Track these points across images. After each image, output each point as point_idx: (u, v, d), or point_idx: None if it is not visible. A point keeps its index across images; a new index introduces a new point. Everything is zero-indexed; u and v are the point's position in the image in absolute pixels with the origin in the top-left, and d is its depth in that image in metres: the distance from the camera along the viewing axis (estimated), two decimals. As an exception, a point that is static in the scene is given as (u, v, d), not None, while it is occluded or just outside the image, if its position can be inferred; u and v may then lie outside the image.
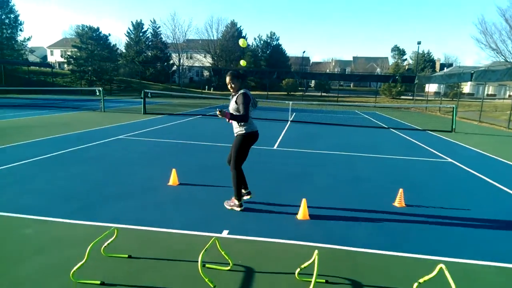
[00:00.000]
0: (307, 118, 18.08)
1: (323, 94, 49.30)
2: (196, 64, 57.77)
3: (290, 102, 16.96)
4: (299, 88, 46.95)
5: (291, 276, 3.07)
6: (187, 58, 60.42)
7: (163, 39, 54.16)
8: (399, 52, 76.03)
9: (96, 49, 43.19)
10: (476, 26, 38.34)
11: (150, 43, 53.00)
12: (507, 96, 48.71)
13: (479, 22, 43.50)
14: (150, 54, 52.19)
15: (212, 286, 2.76)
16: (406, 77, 36.83)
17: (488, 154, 9.76)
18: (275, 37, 62.15)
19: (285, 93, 47.38)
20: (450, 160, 8.69)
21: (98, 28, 44.56)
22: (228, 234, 3.93)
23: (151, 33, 53.77)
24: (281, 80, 47.53)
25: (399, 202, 5.12)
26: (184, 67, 56.56)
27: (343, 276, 3.16)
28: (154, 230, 3.93)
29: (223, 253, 3.14)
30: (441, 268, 2.71)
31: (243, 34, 60.85)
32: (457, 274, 3.24)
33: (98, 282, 2.86)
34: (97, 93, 17.69)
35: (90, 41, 43.06)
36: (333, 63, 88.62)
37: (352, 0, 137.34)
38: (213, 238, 3.06)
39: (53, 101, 23.86)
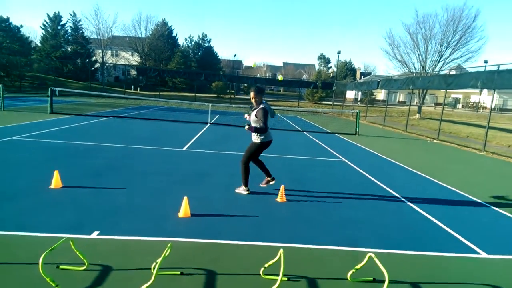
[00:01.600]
0: (231, 121, 18.34)
1: (252, 97, 50.18)
2: (122, 62, 55.11)
3: (210, 104, 17.05)
4: (228, 91, 47.28)
5: (148, 271, 3.14)
6: (112, 55, 57.37)
7: (85, 34, 50.78)
8: (325, 60, 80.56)
9: (5, 41, 39.08)
10: (385, 39, 42.19)
11: (69, 38, 49.31)
12: (415, 102, 54.30)
13: (387, 35, 47.71)
14: (69, 49, 48.56)
15: (54, 286, 2.73)
16: (327, 83, 39.17)
17: (377, 153, 10.85)
18: (207, 39, 61.82)
19: (215, 95, 47.39)
20: (343, 159, 9.50)
21: (8, 19, 40.41)
22: (98, 235, 3.88)
23: (71, 27, 50.01)
24: (211, 82, 47.44)
25: (281, 197, 5.50)
26: (108, 64, 53.59)
27: (205, 267, 3.32)
28: (17, 234, 3.74)
29: (77, 253, 3.11)
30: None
31: (174, 34, 59.67)
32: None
33: None
34: (-4, 90, 15.97)
35: (-2, 32, 38.85)
36: (265, 68, 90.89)
37: (284, 7, 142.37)
38: (64, 238, 3.02)
39: None
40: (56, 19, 48.29)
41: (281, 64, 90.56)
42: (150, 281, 2.75)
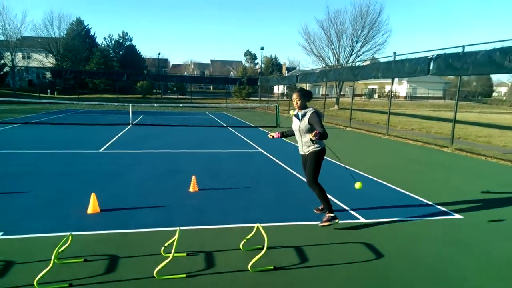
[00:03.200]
0: (154, 121, 18.18)
1: (179, 96, 49.66)
2: (34, 65, 50.66)
3: (130, 105, 16.76)
4: (154, 91, 46.14)
5: (47, 260, 3.33)
6: (23, 57, 52.41)
7: (-11, 35, 45.63)
8: (251, 56, 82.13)
9: None
10: (301, 35, 44.63)
11: (-31, 39, 44.04)
12: (334, 94, 58.07)
13: (303, 31, 50.37)
14: (-29, 52, 43.42)
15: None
16: (252, 79, 40.30)
17: (292, 143, 11.75)
18: (128, 37, 59.35)
19: (141, 96, 45.96)
20: (261, 150, 10.18)
21: None
22: (2, 235, 3.92)
23: (-30, 27, 44.69)
24: (135, 82, 45.88)
25: (193, 187, 5.89)
26: (19, 68, 48.90)
27: (106, 253, 3.59)
28: None
29: (-25, 252, 3.19)
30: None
31: (91, 33, 56.37)
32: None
33: None
34: None
35: None
36: (192, 66, 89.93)
37: (210, 4, 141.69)
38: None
39: None
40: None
41: (209, 62, 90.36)
42: (49, 267, 2.96)
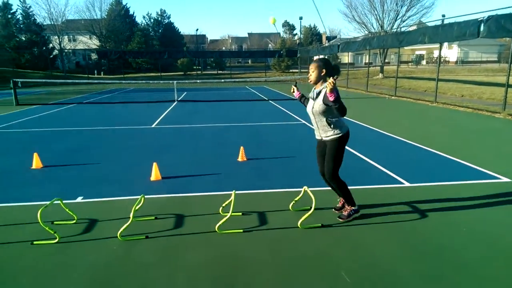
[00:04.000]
0: (197, 97, 18.80)
1: (219, 72, 50.19)
2: (80, 47, 53.23)
3: (175, 82, 17.41)
4: (194, 67, 46.98)
5: (126, 218, 3.87)
6: (69, 41, 55.19)
7: (38, 20, 48.45)
8: (290, 27, 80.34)
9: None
10: (342, 2, 42.78)
11: (22, 26, 47.01)
12: (378, 63, 55.80)
13: (344, -2, 48.24)
14: (23, 38, 46.39)
15: (53, 233, 3.42)
16: (292, 51, 39.72)
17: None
18: (166, 15, 60.13)
19: (181, 73, 47.01)
20: (303, 122, 10.37)
21: (-51, 10, 37.95)
22: (82, 199, 4.55)
23: (21, 14, 47.60)
24: (176, 60, 46.88)
25: (241, 157, 6.29)
26: (66, 51, 51.64)
27: (170, 212, 4.09)
28: (8, 206, 4.36)
29: (67, 210, 3.79)
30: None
31: (131, 12, 57.78)
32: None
33: None
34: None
35: None
36: (230, 40, 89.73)
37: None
38: (54, 198, 3.68)
39: None
40: (5, 7, 45.68)
41: (246, 35, 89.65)
42: (128, 222, 3.48)
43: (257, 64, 71.95)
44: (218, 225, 3.61)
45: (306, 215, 3.70)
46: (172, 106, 14.81)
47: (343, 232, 3.62)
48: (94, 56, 51.47)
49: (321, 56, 4.17)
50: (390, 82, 26.23)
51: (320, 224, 3.76)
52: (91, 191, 4.83)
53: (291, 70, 45.89)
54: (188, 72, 47.10)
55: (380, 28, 32.38)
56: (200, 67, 51.56)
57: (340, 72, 3.81)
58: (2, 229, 3.75)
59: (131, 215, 3.54)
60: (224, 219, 3.59)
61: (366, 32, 33.07)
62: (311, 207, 3.68)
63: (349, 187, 3.89)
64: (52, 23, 48.31)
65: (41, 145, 7.75)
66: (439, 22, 14.93)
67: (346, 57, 60.04)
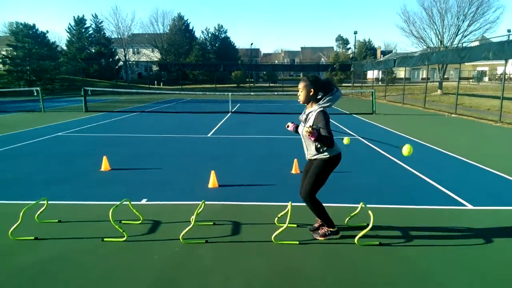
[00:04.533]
0: (250, 109, 19.21)
1: (271, 84, 50.82)
2: (143, 59, 56.86)
3: (230, 94, 17.96)
4: (247, 80, 48.07)
5: (187, 222, 4.08)
6: (133, 53, 59.19)
7: (107, 34, 52.68)
8: (343, 41, 79.47)
9: (33, 48, 41.25)
10: (399, 16, 41.53)
11: (92, 39, 51.37)
12: (436, 78, 53.13)
13: (401, 12, 46.92)
14: (93, 50, 50.64)
15: (121, 231, 3.70)
16: (344, 65, 39.23)
17: (389, 129, 11.43)
18: (223, 30, 62.56)
19: (235, 85, 48.26)
20: (357, 137, 10.17)
21: (34, 25, 42.48)
22: (147, 201, 4.87)
23: (93, 28, 52.07)
24: (230, 72, 48.32)
25: (295, 169, 6.33)
26: (130, 62, 55.44)
27: (226, 219, 4.23)
28: (82, 203, 4.78)
29: (134, 210, 4.08)
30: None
31: (190, 27, 60.72)
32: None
33: (33, 237, 3.70)
34: (35, 94, 17.52)
35: (27, 39, 40.99)
36: (282, 54, 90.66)
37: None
38: (124, 199, 3.98)
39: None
40: (80, 22, 50.32)
41: (299, 49, 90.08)
42: (190, 226, 3.67)
43: (309, 78, 71.75)
44: (274, 235, 3.68)
45: (363, 231, 3.65)
46: (226, 117, 15.27)
47: (402, 252, 3.52)
48: (155, 67, 54.65)
49: (311, 74, 4.01)
50: (449, 99, 24.86)
51: (378, 242, 3.68)
52: (154, 194, 5.14)
53: (343, 84, 45.27)
54: (241, 84, 48.27)
55: (439, 43, 30.94)
56: (252, 80, 52.58)
57: (335, 88, 3.56)
58: (76, 225, 4.12)
59: (192, 219, 3.73)
60: (281, 229, 3.66)
61: (424, 47, 31.73)
62: (368, 224, 3.63)
63: (408, 206, 3.78)
64: (119, 36, 52.27)
65: (108, 149, 8.37)
66: (504, 38, 14.04)
67: (402, 72, 58.16)
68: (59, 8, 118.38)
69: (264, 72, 52.97)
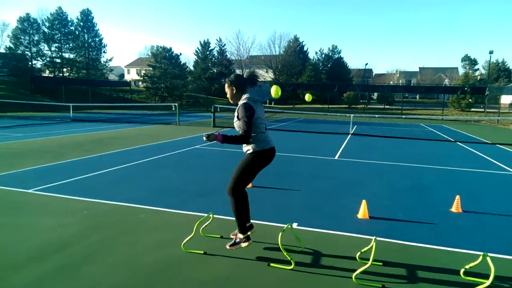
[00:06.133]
0: (368, 131, 18.26)
1: (386, 106, 48.15)
2: (259, 80, 59.86)
3: (352, 115, 17.35)
4: (360, 101, 46.42)
5: (353, 259, 3.74)
6: (250, 73, 62.83)
7: (228, 56, 57.20)
8: (470, 62, 71.41)
9: (168, 68, 46.99)
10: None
11: (215, 60, 56.29)
12: None
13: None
14: (215, 70, 55.41)
15: (289, 259, 3.54)
16: (477, 88, 34.78)
17: None
18: (337, 50, 62.16)
19: (346, 106, 47.11)
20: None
21: (170, 48, 48.50)
22: (297, 226, 4.70)
23: (217, 51, 57.15)
24: (342, 93, 47.42)
25: (456, 208, 5.50)
26: (244, 82, 58.90)
27: (397, 261, 3.76)
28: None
29: (295, 236, 3.92)
30: (483, 256, 3.21)
31: (305, 49, 61.84)
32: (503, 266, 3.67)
33: (202, 252, 3.80)
34: (173, 108, 19.63)
35: (164, 60, 46.97)
36: (397, 75, 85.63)
37: (416, 10, 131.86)
38: (288, 224, 3.85)
39: (132, 116, 26.65)
40: (205, 45, 55.76)
41: (417, 69, 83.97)
42: (366, 266, 3.31)
43: (427, 100, 66.14)
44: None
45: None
46: (347, 139, 14.70)
47: None
48: (268, 87, 56.94)
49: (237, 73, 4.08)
50: None
51: None
52: (303, 220, 4.95)
53: (472, 109, 40.24)
54: (352, 105, 46.91)
55: None
56: (365, 101, 50.65)
57: (258, 82, 3.71)
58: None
59: (369, 260, 3.37)
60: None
61: None
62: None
63: None
64: (239, 58, 56.23)
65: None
66: None
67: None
68: (190, 33, 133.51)
69: (376, 93, 50.56)
